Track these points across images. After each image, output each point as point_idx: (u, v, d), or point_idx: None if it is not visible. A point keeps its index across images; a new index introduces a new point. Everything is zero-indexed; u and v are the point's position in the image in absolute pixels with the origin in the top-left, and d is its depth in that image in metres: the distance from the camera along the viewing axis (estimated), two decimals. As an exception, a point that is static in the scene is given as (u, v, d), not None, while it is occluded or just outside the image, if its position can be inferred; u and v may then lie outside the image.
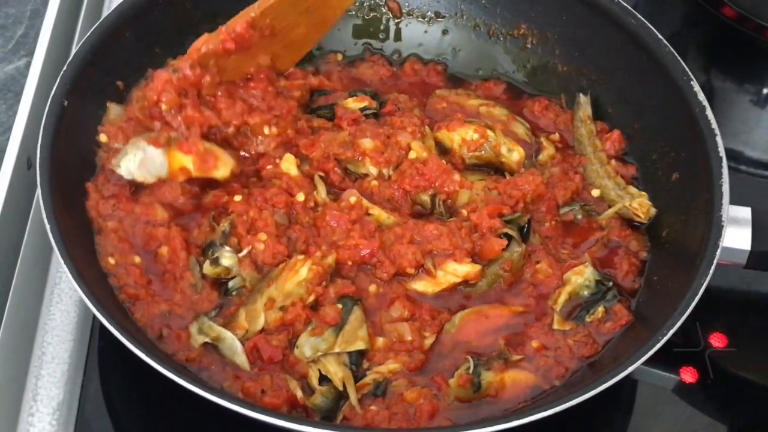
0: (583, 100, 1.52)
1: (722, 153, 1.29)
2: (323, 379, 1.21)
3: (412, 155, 1.40)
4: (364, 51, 1.63)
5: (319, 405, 1.19)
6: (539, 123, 1.54)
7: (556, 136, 1.51)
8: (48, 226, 1.18)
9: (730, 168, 1.28)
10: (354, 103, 1.48)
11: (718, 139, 1.30)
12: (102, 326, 1.18)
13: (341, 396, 1.21)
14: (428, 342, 1.26)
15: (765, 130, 1.72)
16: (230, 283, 1.28)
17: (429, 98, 1.55)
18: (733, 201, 1.26)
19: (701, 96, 1.35)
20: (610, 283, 1.32)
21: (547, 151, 1.47)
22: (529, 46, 1.59)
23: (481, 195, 1.38)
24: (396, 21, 1.64)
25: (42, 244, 1.35)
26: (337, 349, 1.22)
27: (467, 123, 1.45)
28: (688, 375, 1.34)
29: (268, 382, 1.19)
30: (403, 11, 1.63)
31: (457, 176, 1.39)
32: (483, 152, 1.43)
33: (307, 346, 1.22)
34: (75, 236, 1.22)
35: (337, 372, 1.21)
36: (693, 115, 1.34)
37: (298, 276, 1.25)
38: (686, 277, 1.21)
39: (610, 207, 1.40)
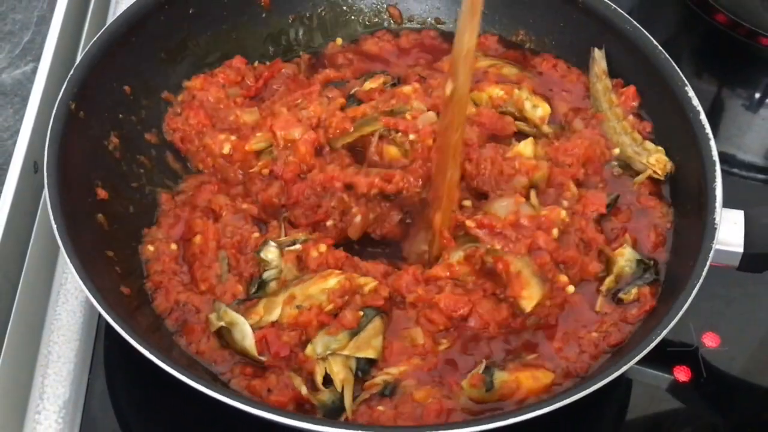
0: (599, 54, 1.50)
1: (716, 157, 1.29)
2: (328, 381, 1.21)
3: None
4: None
5: (325, 402, 1.19)
6: (546, 80, 1.54)
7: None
8: (55, 227, 1.18)
9: (723, 171, 1.29)
10: (371, 84, 1.50)
11: (712, 143, 1.31)
12: (107, 326, 1.18)
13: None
14: (443, 348, 1.25)
15: (757, 134, 1.73)
16: (265, 274, 1.28)
17: (437, 63, 1.56)
18: (726, 202, 1.26)
19: (696, 101, 1.35)
20: (651, 262, 1.31)
21: (543, 108, 1.47)
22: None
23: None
24: (397, 27, 1.64)
25: (49, 245, 1.35)
26: (346, 352, 1.21)
27: (497, 84, 1.48)
28: (682, 374, 1.35)
29: (274, 382, 1.20)
30: (404, 17, 1.64)
31: (509, 117, 1.43)
32: (506, 108, 1.46)
33: (320, 343, 1.22)
34: (81, 237, 1.22)
35: (339, 373, 1.20)
36: (687, 119, 1.34)
37: (326, 284, 1.25)
38: (680, 278, 1.21)
39: (628, 164, 1.41)
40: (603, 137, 1.43)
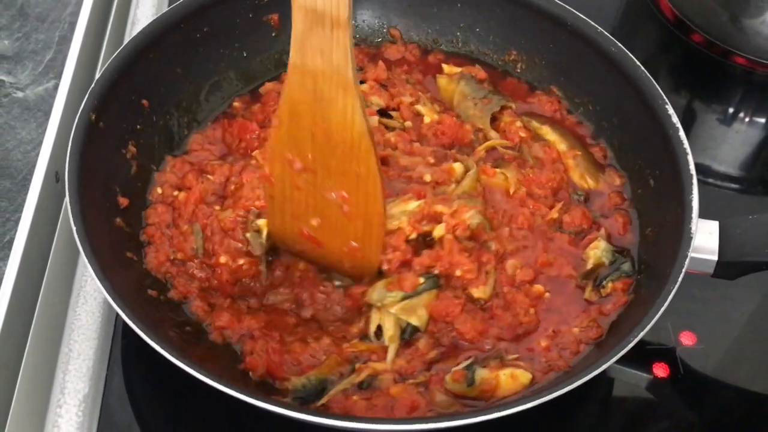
0: None
1: (693, 171, 1.29)
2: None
3: (426, 120, 1.44)
4: None
5: (298, 388, 1.18)
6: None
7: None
8: (75, 233, 1.18)
9: (699, 181, 1.29)
10: None
11: (690, 158, 1.31)
12: (125, 325, 1.18)
13: (324, 387, 1.19)
14: (431, 356, 1.23)
15: (731, 146, 1.73)
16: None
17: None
18: (701, 209, 1.26)
19: (675, 118, 1.35)
20: (626, 252, 1.34)
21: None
22: (518, 70, 1.60)
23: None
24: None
25: (69, 249, 1.36)
26: (393, 310, 1.21)
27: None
28: (661, 371, 1.35)
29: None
30: (404, 38, 1.64)
31: (468, 126, 1.44)
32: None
33: (376, 292, 1.23)
34: (100, 242, 1.22)
35: (389, 330, 1.20)
36: (667, 135, 1.34)
37: (407, 206, 1.26)
38: (658, 283, 1.21)
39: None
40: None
